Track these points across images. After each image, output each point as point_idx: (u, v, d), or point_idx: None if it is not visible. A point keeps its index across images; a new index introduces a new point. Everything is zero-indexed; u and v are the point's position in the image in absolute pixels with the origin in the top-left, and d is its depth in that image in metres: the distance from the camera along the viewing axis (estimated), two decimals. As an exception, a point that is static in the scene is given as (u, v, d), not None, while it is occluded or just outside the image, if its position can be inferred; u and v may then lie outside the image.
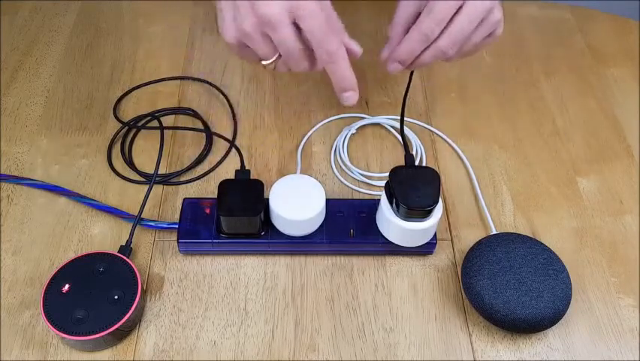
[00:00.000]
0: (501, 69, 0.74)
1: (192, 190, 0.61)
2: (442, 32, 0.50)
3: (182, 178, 0.62)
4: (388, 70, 0.54)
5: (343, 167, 0.63)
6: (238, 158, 0.63)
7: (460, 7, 0.49)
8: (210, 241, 0.54)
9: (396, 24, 0.54)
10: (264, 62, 0.51)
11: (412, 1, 0.52)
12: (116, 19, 0.78)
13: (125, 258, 0.52)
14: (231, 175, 0.62)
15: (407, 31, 0.53)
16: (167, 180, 0.61)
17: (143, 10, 0.79)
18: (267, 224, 0.55)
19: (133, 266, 0.52)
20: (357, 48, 0.52)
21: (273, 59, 0.51)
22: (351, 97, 0.52)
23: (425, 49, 0.52)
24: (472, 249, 0.54)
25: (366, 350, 0.51)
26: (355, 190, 0.62)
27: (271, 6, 0.47)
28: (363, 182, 0.62)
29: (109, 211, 0.58)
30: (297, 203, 0.53)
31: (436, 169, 0.63)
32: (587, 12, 0.82)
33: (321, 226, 0.55)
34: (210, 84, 0.70)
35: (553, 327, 0.51)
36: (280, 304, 0.53)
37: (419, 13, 0.51)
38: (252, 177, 0.59)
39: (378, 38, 0.77)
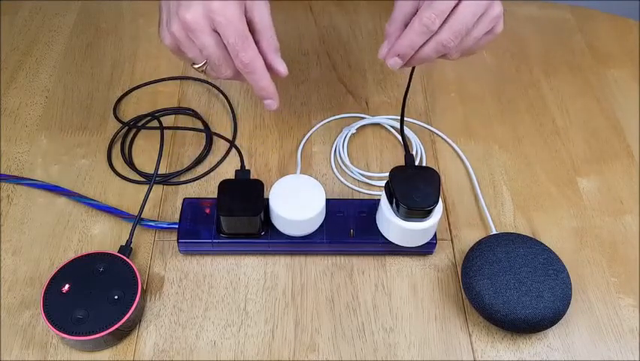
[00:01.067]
0: (501, 69, 0.74)
1: (192, 190, 0.61)
2: (442, 25, 0.50)
3: (182, 178, 0.62)
4: (388, 65, 0.53)
5: (343, 167, 0.63)
6: (238, 158, 0.63)
7: (459, 2, 0.50)
8: (210, 241, 0.54)
9: (394, 20, 0.53)
10: (194, 66, 0.52)
11: (409, 0, 0.52)
12: (116, 19, 0.78)
13: (125, 258, 0.52)
14: (231, 175, 0.62)
15: (405, 27, 0.52)
16: (167, 180, 0.61)
17: (143, 10, 0.79)
18: (267, 224, 0.55)
19: (133, 266, 0.52)
20: (282, 69, 0.52)
21: (202, 63, 0.51)
22: (271, 104, 0.53)
23: (425, 43, 0.52)
24: (472, 249, 0.54)
25: (366, 350, 0.51)
26: (355, 190, 0.62)
27: (191, 11, 0.47)
28: (363, 182, 0.62)
29: (109, 211, 0.58)
30: (297, 203, 0.53)
31: (436, 169, 0.63)
32: (587, 12, 0.82)
33: (321, 225, 0.55)
34: (210, 84, 0.70)
35: (553, 327, 0.51)
36: (280, 304, 0.53)
37: (417, 11, 0.52)
38: (252, 177, 0.59)
39: (378, 38, 0.77)
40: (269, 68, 0.52)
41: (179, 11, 0.48)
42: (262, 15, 0.50)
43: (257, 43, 0.50)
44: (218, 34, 0.48)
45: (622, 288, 0.55)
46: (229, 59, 0.50)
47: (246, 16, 0.49)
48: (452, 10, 0.50)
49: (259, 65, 0.50)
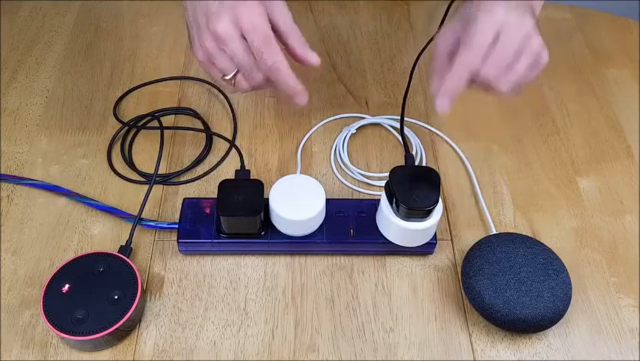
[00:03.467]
0: (501, 69, 0.74)
1: (192, 190, 0.61)
2: (484, 63, 0.51)
3: (182, 178, 0.62)
4: (437, 107, 0.53)
5: (343, 167, 0.63)
6: (238, 158, 0.63)
7: (497, 38, 0.50)
8: (210, 241, 0.54)
9: (438, 56, 0.54)
10: (225, 77, 0.53)
11: (449, 32, 0.53)
12: (116, 19, 0.78)
13: (125, 258, 0.52)
14: (231, 175, 0.62)
15: (450, 58, 0.53)
16: (167, 180, 0.61)
17: (143, 10, 0.79)
18: (267, 224, 0.55)
19: (133, 266, 0.52)
20: (314, 60, 0.54)
21: (232, 73, 0.53)
22: (300, 100, 0.54)
23: (472, 82, 0.52)
24: (472, 249, 0.54)
25: (366, 350, 0.51)
26: (355, 190, 0.62)
27: (220, 22, 0.49)
28: (363, 182, 0.62)
29: (109, 211, 0.58)
30: (297, 203, 0.53)
31: (436, 169, 0.63)
32: (587, 12, 0.82)
33: (321, 225, 0.55)
34: (210, 84, 0.70)
35: (553, 327, 0.51)
36: (280, 304, 0.53)
37: (458, 39, 0.52)
38: (252, 177, 0.60)
39: (378, 38, 0.77)
40: (302, 61, 0.53)
41: (210, 24, 0.50)
42: (283, 15, 0.52)
43: (285, 41, 0.52)
44: (247, 40, 0.50)
45: (622, 288, 0.55)
46: (257, 64, 0.51)
47: (270, 19, 0.51)
48: (492, 46, 0.50)
49: (283, 64, 0.51)
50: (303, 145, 0.65)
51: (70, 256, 0.55)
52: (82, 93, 0.69)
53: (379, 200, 0.54)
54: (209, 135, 0.65)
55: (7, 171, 0.61)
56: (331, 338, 0.52)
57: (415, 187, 0.52)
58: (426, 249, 0.56)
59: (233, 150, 0.64)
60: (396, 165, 0.54)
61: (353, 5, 0.81)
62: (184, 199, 0.57)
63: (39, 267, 0.55)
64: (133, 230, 0.55)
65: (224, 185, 0.54)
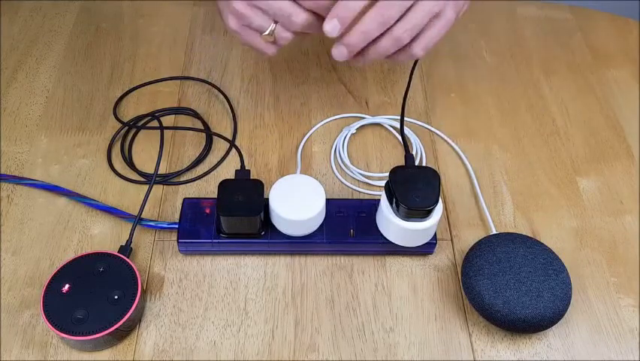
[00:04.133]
0: (501, 69, 0.74)
1: (192, 190, 0.61)
2: (397, 21, 0.50)
3: (182, 178, 0.62)
4: (332, 54, 0.51)
5: (343, 167, 0.63)
6: (238, 158, 0.63)
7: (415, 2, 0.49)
8: (210, 241, 0.54)
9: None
10: (264, 34, 0.52)
11: None
12: (116, 19, 0.78)
13: (125, 258, 0.52)
14: (231, 175, 0.62)
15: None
16: (167, 180, 0.61)
17: (143, 10, 0.79)
18: (267, 224, 0.55)
19: (133, 266, 0.52)
20: None
21: (271, 26, 0.52)
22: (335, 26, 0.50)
23: (380, 37, 0.50)
24: (472, 249, 0.54)
25: (366, 350, 0.51)
26: (355, 190, 0.62)
27: None
28: (363, 182, 0.62)
29: (109, 211, 0.58)
30: (297, 203, 0.53)
31: (436, 169, 0.63)
32: (587, 12, 0.82)
33: (321, 225, 0.55)
34: (210, 84, 0.70)
35: (553, 327, 0.51)
36: (280, 304, 0.53)
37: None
38: (252, 177, 0.59)
39: (378, 38, 0.77)
40: None
41: None
42: None
43: None
44: None
45: (622, 288, 0.55)
46: (296, 4, 0.50)
47: None
48: (409, 8, 0.49)
49: None
50: (303, 145, 0.65)
51: (70, 256, 0.55)
52: (82, 93, 0.69)
53: (379, 200, 0.54)
54: (209, 135, 0.65)
55: (7, 171, 0.61)
56: (331, 338, 0.52)
57: (415, 187, 0.52)
58: (426, 249, 0.56)
59: (234, 150, 0.64)
60: (396, 165, 0.54)
61: (353, 5, 0.81)
62: (184, 199, 0.57)
63: (39, 267, 0.55)
64: (133, 230, 0.55)
65: (224, 185, 0.54)
